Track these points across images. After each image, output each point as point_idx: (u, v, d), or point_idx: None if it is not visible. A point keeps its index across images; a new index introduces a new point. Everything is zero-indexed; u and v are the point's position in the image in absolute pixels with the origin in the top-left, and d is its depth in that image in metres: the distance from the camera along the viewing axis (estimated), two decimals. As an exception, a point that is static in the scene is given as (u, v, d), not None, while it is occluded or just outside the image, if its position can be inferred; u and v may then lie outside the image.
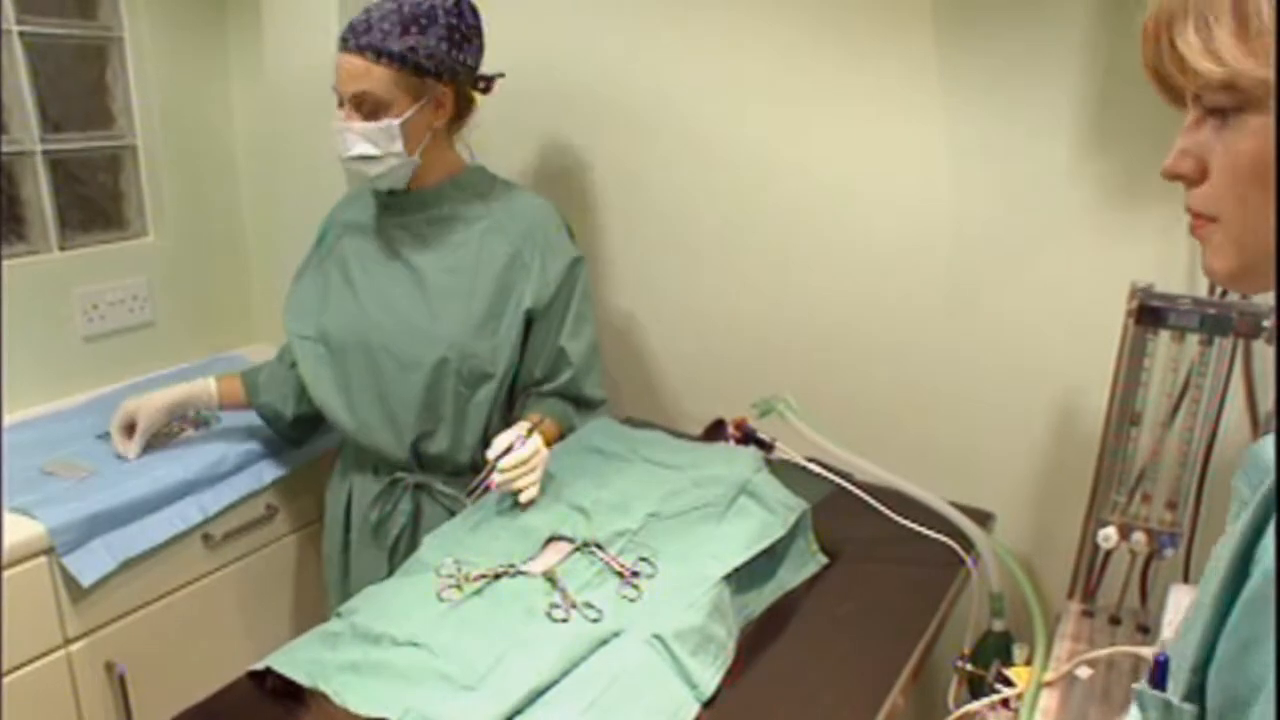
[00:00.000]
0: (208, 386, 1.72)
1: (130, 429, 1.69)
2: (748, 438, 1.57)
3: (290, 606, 1.93)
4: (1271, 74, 0.50)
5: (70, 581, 1.52)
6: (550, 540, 1.30)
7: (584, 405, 1.63)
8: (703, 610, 1.16)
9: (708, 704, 1.11)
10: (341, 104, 1.47)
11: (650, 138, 1.85)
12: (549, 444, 1.44)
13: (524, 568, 1.24)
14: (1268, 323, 1.22)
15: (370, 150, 1.46)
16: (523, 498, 1.35)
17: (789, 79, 1.69)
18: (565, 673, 1.08)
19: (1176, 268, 1.45)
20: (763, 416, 1.61)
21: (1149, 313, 1.28)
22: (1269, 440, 0.56)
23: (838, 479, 1.52)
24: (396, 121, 1.45)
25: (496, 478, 1.33)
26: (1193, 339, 1.29)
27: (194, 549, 1.70)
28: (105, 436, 1.77)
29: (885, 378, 1.75)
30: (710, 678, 1.13)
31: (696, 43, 1.75)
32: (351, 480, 1.67)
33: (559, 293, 1.57)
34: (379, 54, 1.42)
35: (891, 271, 1.69)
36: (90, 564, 1.53)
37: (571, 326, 1.58)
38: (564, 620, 1.15)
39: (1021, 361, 1.61)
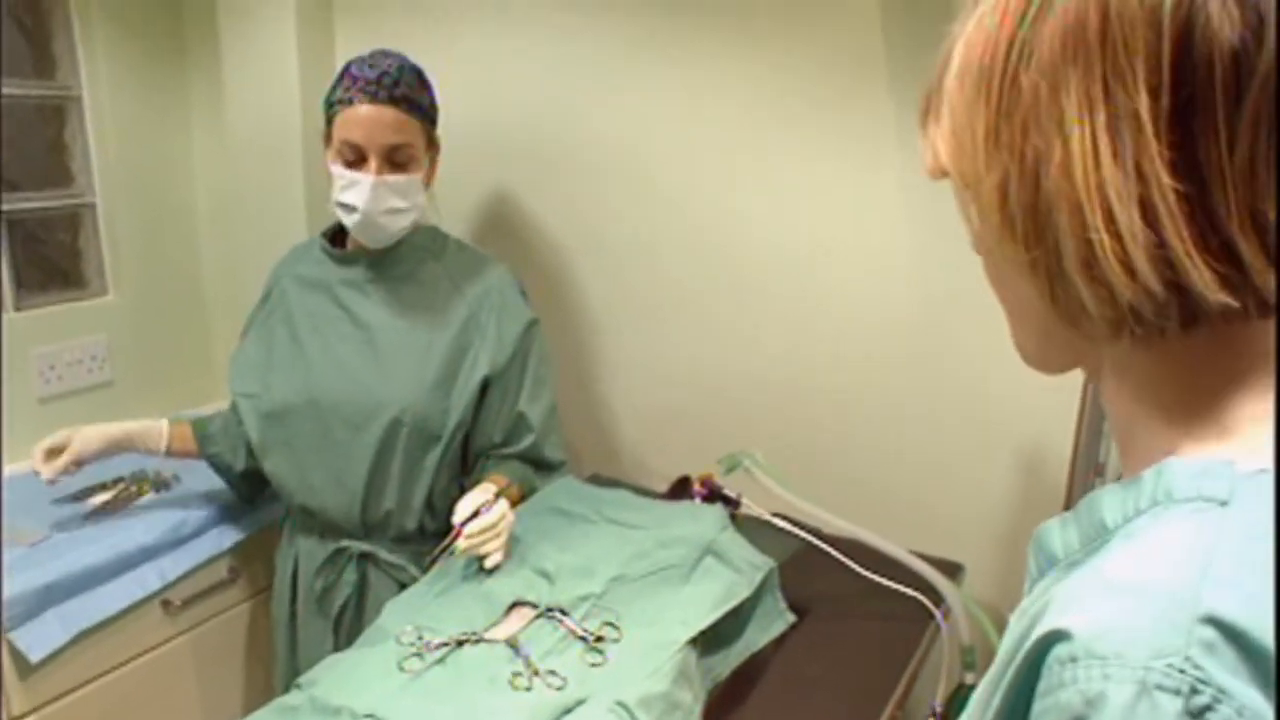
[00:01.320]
0: (158, 427, 1.67)
1: (57, 453, 1.59)
2: (713, 494, 1.57)
3: (249, 674, 1.88)
4: None
5: (18, 657, 1.47)
6: (513, 606, 1.28)
7: (544, 467, 1.62)
8: (668, 676, 1.15)
9: (674, 773, 1.09)
10: (358, 159, 1.45)
11: (609, 192, 1.86)
12: (513, 506, 1.43)
13: (486, 635, 1.22)
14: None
15: (401, 204, 1.47)
16: (488, 563, 1.33)
17: (749, 133, 1.70)
18: (529, 744, 1.06)
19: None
20: (728, 472, 1.60)
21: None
22: (1051, 526, 0.53)
23: (805, 534, 1.51)
24: (419, 175, 1.49)
25: (462, 543, 1.31)
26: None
27: (152, 616, 1.66)
28: (62, 501, 1.74)
29: (850, 430, 1.76)
30: (676, 746, 1.11)
31: (656, 96, 1.77)
32: (298, 545, 1.64)
33: (515, 356, 1.55)
34: (412, 106, 1.45)
35: (854, 323, 1.70)
36: (40, 638, 1.49)
37: (530, 390, 1.57)
38: (527, 689, 1.13)
39: (986, 412, 1.62)
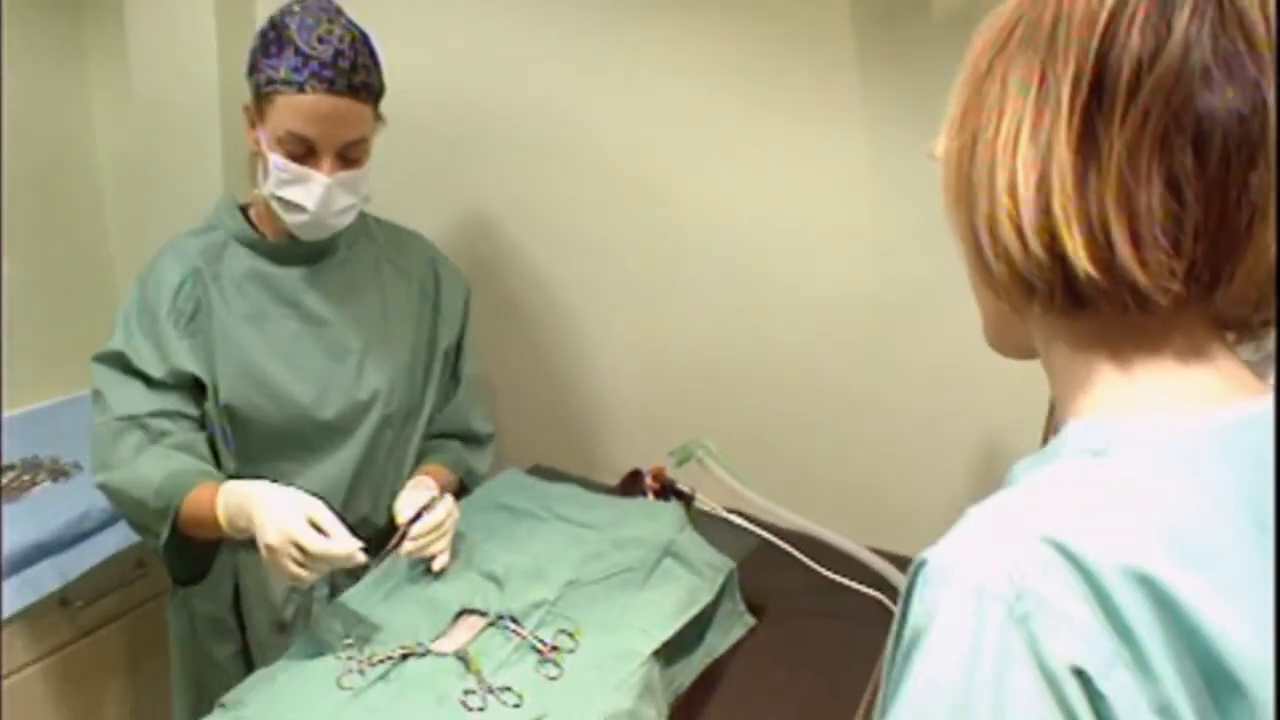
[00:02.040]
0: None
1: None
2: (666, 489, 1.50)
3: (167, 674, 1.75)
4: (1271, 91, 0.49)
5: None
6: (461, 614, 1.19)
7: (473, 441, 1.53)
8: (633, 691, 1.07)
9: (639, 796, 1.02)
10: (307, 153, 1.24)
11: (558, 175, 1.76)
12: (455, 499, 1.33)
13: (433, 646, 1.13)
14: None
15: (353, 200, 1.29)
16: (436, 565, 1.24)
17: (707, 114, 1.62)
18: (483, 771, 0.97)
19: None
20: (680, 465, 1.54)
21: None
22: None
23: (762, 532, 1.46)
24: (367, 162, 1.31)
25: (408, 545, 1.21)
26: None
27: (50, 617, 1.52)
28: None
29: (807, 421, 1.70)
30: (641, 766, 1.04)
31: (613, 75, 1.67)
32: (240, 558, 1.37)
33: (463, 327, 1.51)
34: (370, 93, 1.26)
35: (812, 311, 1.64)
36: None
37: (467, 353, 1.53)
38: (480, 709, 1.04)
39: (947, 402, 1.58)
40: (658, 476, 1.49)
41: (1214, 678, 0.46)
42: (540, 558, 1.26)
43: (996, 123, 0.54)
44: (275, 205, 1.27)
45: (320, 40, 1.22)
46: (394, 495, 1.36)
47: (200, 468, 1.27)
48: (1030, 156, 0.52)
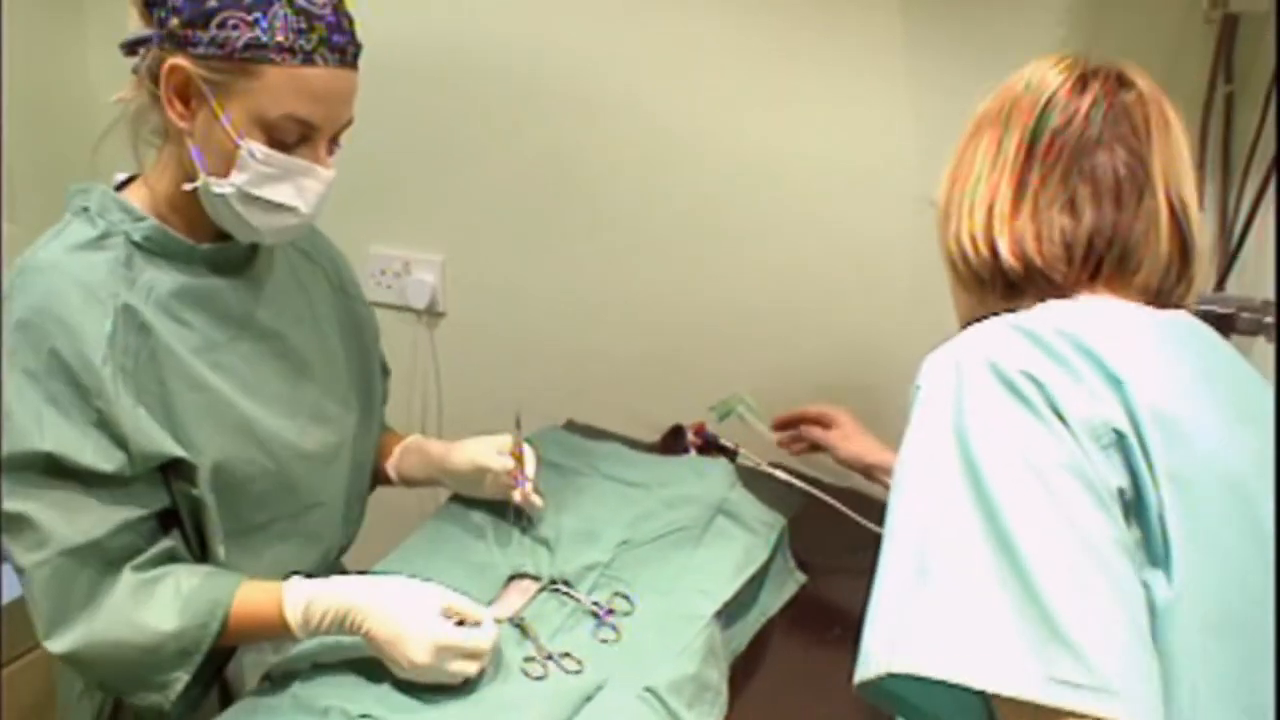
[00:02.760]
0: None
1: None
2: (709, 445, 1.46)
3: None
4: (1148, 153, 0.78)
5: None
6: (511, 579, 1.15)
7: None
8: (697, 655, 1.04)
9: (708, 762, 0.99)
10: (300, 140, 0.99)
11: (573, 117, 1.68)
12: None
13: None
14: (1268, 319, 1.17)
15: (324, 191, 1.05)
16: (539, 501, 1.20)
17: (744, 59, 1.55)
18: (550, 741, 0.94)
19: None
20: (722, 420, 1.49)
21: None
22: None
23: (807, 486, 1.42)
24: None
25: (527, 488, 1.17)
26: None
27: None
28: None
29: (845, 372, 1.65)
30: (709, 731, 1.01)
31: (645, 21, 1.59)
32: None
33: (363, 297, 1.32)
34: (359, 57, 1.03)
35: (852, 255, 1.59)
36: None
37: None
38: (541, 678, 1.01)
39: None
40: (699, 432, 1.45)
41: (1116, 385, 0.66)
42: (591, 519, 1.22)
43: (968, 171, 0.82)
44: (238, 205, 0.98)
45: (314, 4, 0.96)
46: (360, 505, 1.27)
47: (221, 579, 1.01)
48: (984, 194, 0.80)
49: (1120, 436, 0.63)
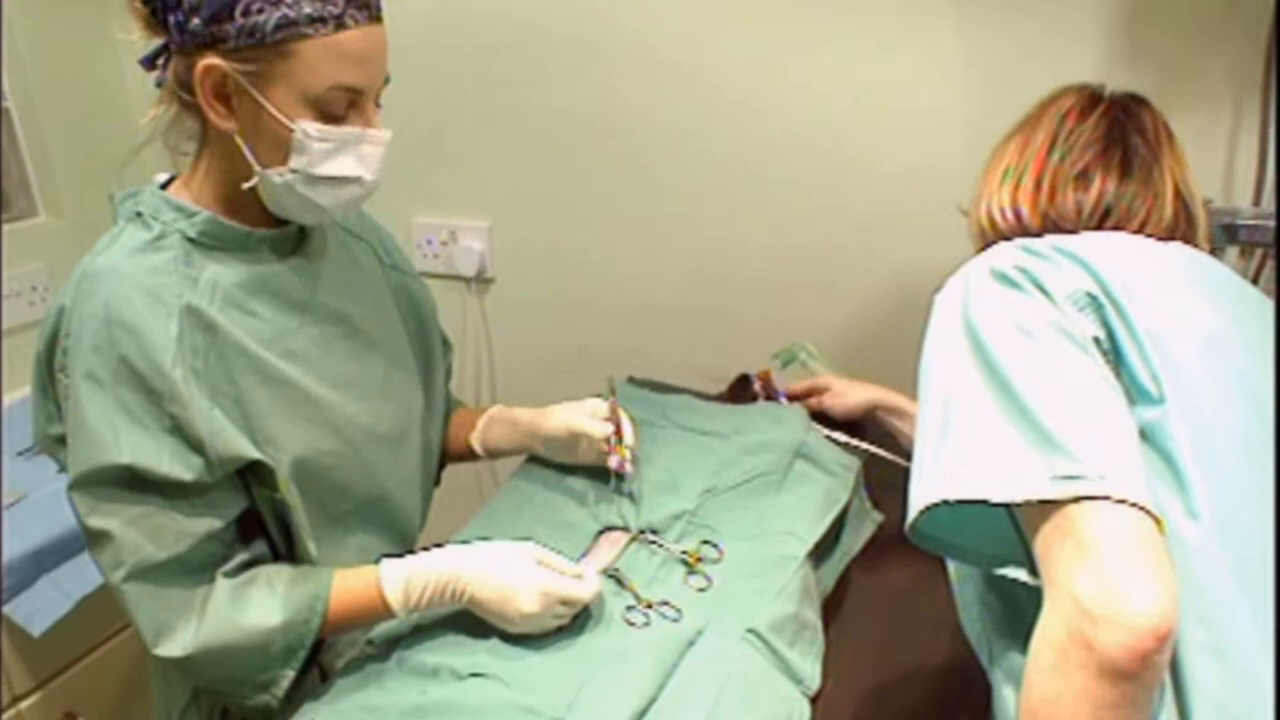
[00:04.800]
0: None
1: None
2: (773, 394, 1.46)
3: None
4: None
5: (16, 632, 1.30)
6: (600, 533, 1.16)
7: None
8: (794, 595, 1.05)
9: (814, 699, 1.00)
10: (347, 108, 0.96)
11: (618, 72, 1.67)
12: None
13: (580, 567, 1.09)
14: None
15: (383, 153, 1.02)
16: (630, 468, 1.19)
17: (790, 6, 1.53)
18: (661, 686, 0.94)
19: (1212, 176, 1.38)
20: (785, 367, 1.50)
21: (1216, 230, 1.21)
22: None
23: (864, 444, 1.42)
24: None
25: (626, 453, 1.17)
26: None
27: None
28: (27, 453, 1.53)
29: (901, 307, 1.64)
30: (811, 668, 1.02)
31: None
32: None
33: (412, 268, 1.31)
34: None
35: (899, 194, 1.58)
36: (39, 609, 1.31)
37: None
38: (645, 625, 1.02)
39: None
40: (766, 380, 1.45)
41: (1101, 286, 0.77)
42: (671, 470, 1.23)
43: (999, 165, 0.98)
44: (302, 189, 0.96)
45: None
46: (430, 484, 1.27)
47: (313, 573, 1.01)
48: (1012, 177, 0.95)
49: (1093, 298, 0.76)
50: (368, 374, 1.12)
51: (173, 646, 0.93)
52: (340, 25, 0.91)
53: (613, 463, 1.17)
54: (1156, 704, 0.65)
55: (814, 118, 1.58)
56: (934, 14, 1.46)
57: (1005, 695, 0.81)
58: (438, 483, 1.35)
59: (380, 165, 1.00)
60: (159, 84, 0.97)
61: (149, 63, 0.97)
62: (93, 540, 0.93)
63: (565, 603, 0.97)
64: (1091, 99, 0.96)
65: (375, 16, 0.95)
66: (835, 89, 1.55)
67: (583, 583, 0.99)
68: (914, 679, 1.05)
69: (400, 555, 1.04)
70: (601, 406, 1.22)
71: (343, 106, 0.95)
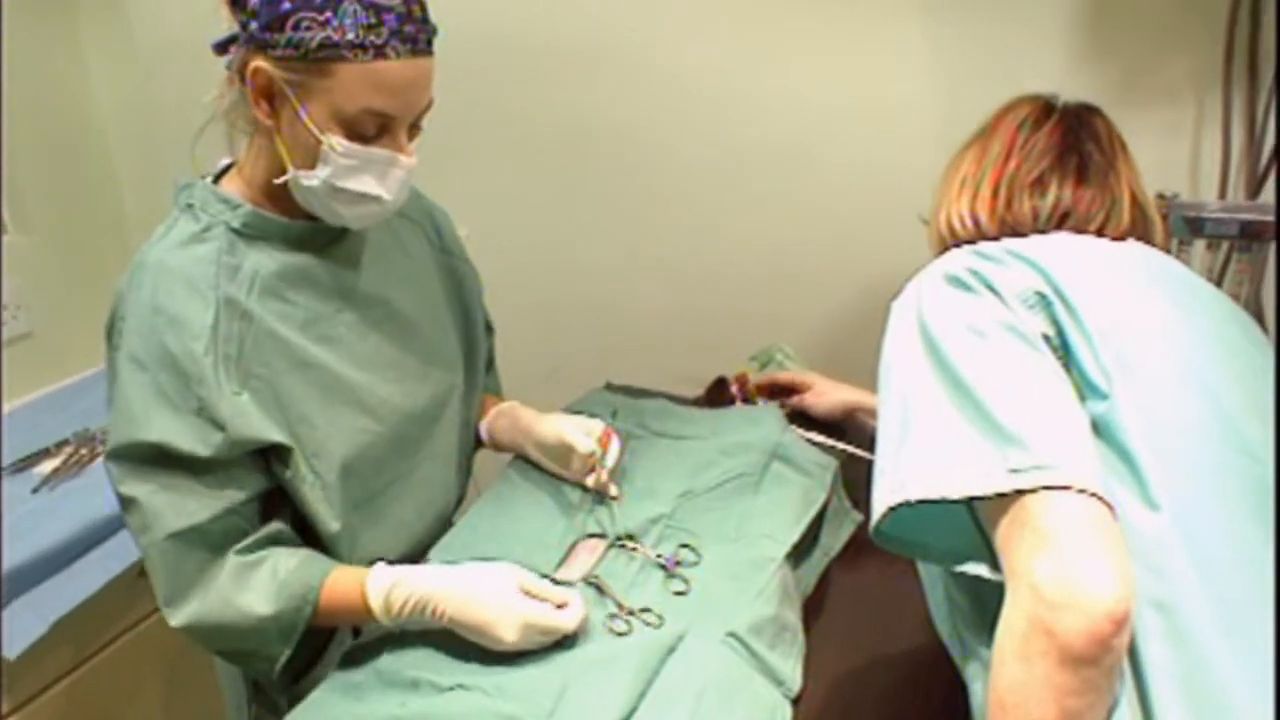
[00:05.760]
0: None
1: None
2: (751, 397, 1.46)
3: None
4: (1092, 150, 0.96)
5: (-8, 654, 1.29)
6: (578, 540, 1.16)
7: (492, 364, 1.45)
8: (774, 597, 1.05)
9: (795, 701, 1.01)
10: (380, 131, 1.00)
11: (597, 77, 1.68)
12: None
13: (557, 575, 1.09)
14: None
15: (406, 178, 1.06)
16: (614, 491, 1.21)
17: (757, 6, 1.54)
18: (642, 694, 0.94)
19: (1179, 170, 1.40)
20: (763, 369, 1.51)
21: (1182, 223, 1.22)
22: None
23: (839, 443, 1.42)
24: None
25: (602, 477, 1.18)
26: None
27: (131, 590, 1.48)
28: (6, 469, 1.52)
29: (878, 306, 1.65)
30: (792, 670, 1.02)
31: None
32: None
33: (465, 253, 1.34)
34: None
35: (876, 195, 1.59)
36: (15, 632, 1.30)
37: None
38: (625, 633, 1.02)
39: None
40: (743, 383, 1.46)
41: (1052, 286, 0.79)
42: (648, 475, 1.23)
43: (955, 175, 1.00)
44: (324, 196, 1.01)
45: None
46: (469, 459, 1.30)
47: (313, 565, 1.04)
48: (970, 185, 0.98)
49: (1042, 297, 0.78)
50: (406, 355, 1.17)
51: (178, 615, 1.00)
52: (380, 54, 0.95)
53: (589, 480, 1.19)
54: (1118, 689, 0.66)
55: (787, 122, 1.59)
56: (904, 19, 1.48)
57: (977, 690, 0.83)
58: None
59: (400, 188, 1.05)
60: (228, 66, 1.03)
61: (221, 47, 1.02)
62: (124, 505, 1.01)
63: (547, 633, 0.98)
64: (1045, 109, 0.99)
65: (420, 50, 0.99)
66: (808, 94, 1.56)
67: (565, 612, 0.99)
68: (895, 677, 1.06)
69: (434, 530, 1.16)
70: (597, 426, 1.23)
71: (373, 128, 1.00)
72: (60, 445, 1.59)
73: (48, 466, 1.54)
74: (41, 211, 1.83)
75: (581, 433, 1.21)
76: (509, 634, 0.96)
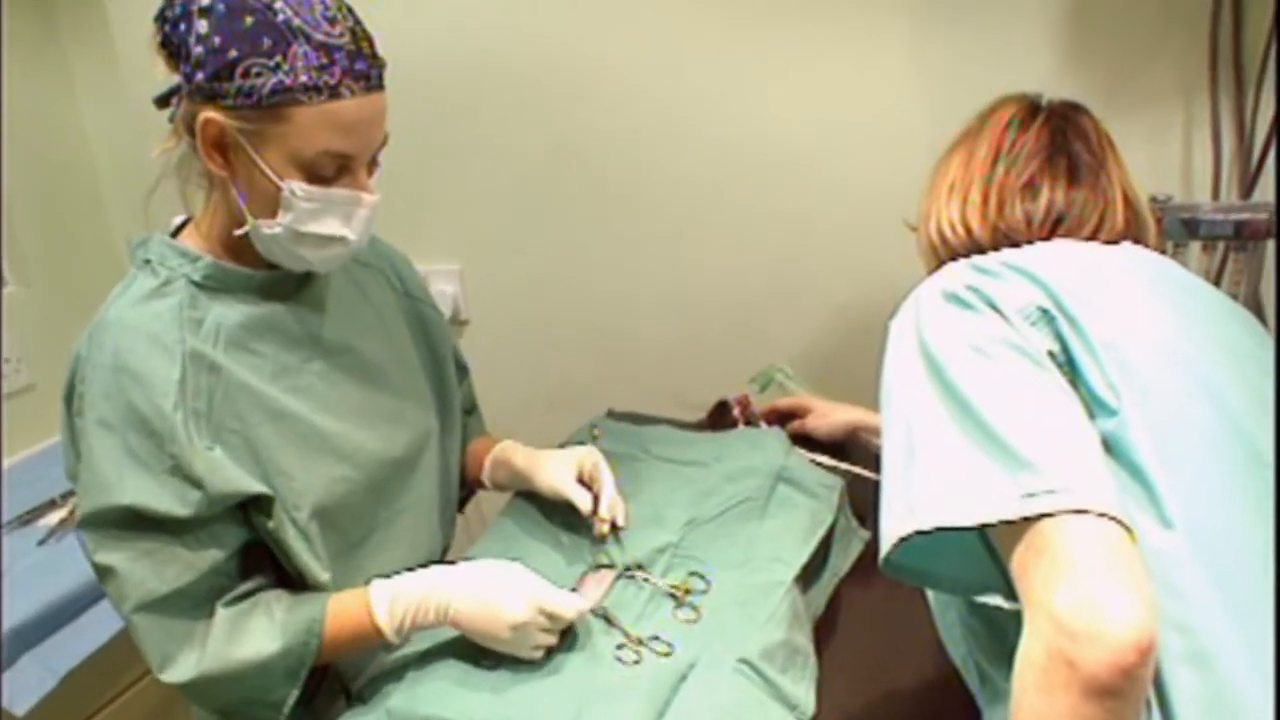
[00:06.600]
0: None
1: None
2: (754, 419, 1.46)
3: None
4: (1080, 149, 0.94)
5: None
6: (586, 571, 1.15)
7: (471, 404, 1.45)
8: (784, 622, 1.04)
9: (809, 725, 0.99)
10: (339, 171, 0.98)
11: (582, 104, 1.68)
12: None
13: (568, 606, 1.09)
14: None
15: (370, 215, 1.04)
16: (622, 521, 1.19)
17: (735, 21, 1.55)
18: (655, 723, 0.94)
19: (1170, 173, 1.40)
20: (763, 390, 1.50)
21: (1177, 226, 1.22)
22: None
23: (843, 464, 1.42)
24: None
25: (602, 514, 1.18)
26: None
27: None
28: (6, 527, 1.52)
29: (874, 321, 1.65)
30: (805, 694, 1.01)
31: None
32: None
33: (429, 296, 1.33)
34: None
35: (866, 211, 1.58)
36: (22, 688, 1.29)
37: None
38: (636, 662, 1.01)
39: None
40: (745, 405, 1.45)
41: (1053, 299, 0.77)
42: (653, 503, 1.22)
43: (943, 180, 0.98)
44: (288, 243, 0.99)
45: (331, 21, 0.94)
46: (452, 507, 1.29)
47: (309, 599, 1.02)
48: (959, 191, 0.96)
49: (1045, 312, 0.76)
50: (376, 402, 1.15)
51: (176, 673, 0.97)
52: (335, 95, 0.93)
53: (594, 531, 1.18)
54: (1143, 716, 0.64)
55: (779, 143, 1.59)
56: (888, 32, 1.48)
57: (995, 716, 0.81)
58: (461, 509, 1.36)
59: (365, 226, 1.03)
60: (171, 119, 1.01)
61: (163, 100, 1.01)
62: (100, 575, 0.97)
63: (550, 615, 0.99)
64: (1031, 109, 0.97)
65: (373, 86, 0.97)
66: (799, 112, 1.57)
67: (572, 596, 1.02)
68: (907, 698, 1.04)
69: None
70: (589, 460, 1.22)
71: (332, 169, 0.98)
72: (65, 497, 1.58)
73: (53, 518, 1.54)
74: (41, 264, 1.84)
75: (574, 478, 1.20)
76: (517, 607, 0.97)
